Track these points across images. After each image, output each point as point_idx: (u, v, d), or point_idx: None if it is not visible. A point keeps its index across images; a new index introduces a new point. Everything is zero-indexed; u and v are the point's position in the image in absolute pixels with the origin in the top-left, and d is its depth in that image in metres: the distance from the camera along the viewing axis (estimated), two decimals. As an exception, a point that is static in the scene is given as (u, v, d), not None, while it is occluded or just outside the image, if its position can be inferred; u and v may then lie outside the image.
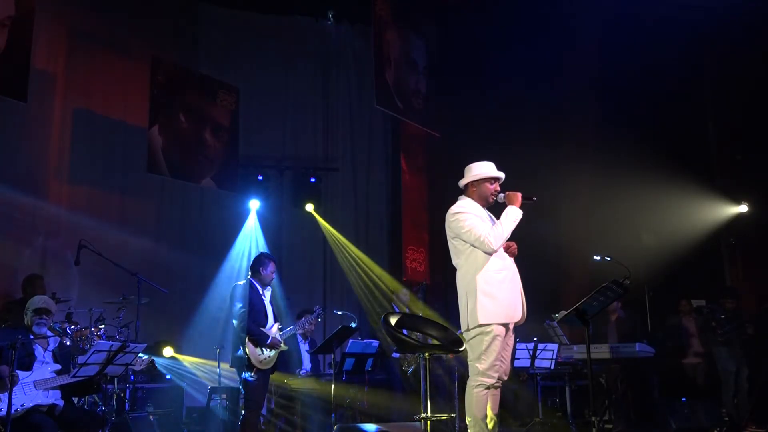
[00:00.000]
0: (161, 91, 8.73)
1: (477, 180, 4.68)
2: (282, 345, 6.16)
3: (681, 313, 8.93)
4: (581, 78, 10.77)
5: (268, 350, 5.99)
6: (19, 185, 7.78)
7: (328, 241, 10.09)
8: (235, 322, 6.00)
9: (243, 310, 5.92)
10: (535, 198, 4.65)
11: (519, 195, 4.61)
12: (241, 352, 5.88)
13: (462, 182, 4.76)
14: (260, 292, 6.14)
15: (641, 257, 8.54)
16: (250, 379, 5.87)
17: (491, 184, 4.68)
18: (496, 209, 4.72)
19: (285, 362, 7.65)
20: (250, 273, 6.27)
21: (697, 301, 9.24)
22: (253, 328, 5.91)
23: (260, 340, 5.91)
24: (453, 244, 4.64)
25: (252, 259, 6.47)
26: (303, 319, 7.19)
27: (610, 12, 9.73)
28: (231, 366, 6.14)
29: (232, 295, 6.08)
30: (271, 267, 6.23)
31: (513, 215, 4.54)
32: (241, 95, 9.66)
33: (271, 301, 6.29)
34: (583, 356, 7.15)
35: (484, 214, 4.66)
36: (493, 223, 4.60)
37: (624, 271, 5.05)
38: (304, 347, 7.83)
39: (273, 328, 6.11)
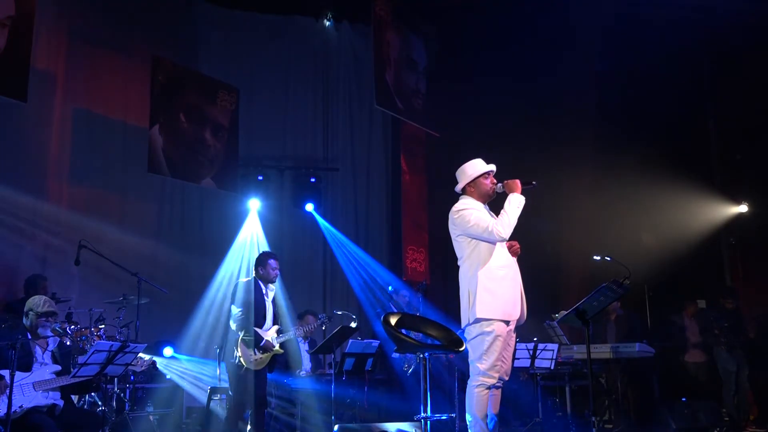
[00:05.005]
0: (161, 91, 8.72)
1: (473, 180, 4.70)
2: (276, 348, 6.14)
3: (685, 315, 8.93)
4: (581, 78, 10.77)
5: (260, 351, 5.97)
6: (19, 185, 7.78)
7: (328, 241, 10.09)
8: (232, 322, 5.99)
9: (241, 308, 5.90)
10: (534, 183, 4.65)
11: (518, 182, 4.63)
12: (235, 350, 5.86)
13: (459, 187, 4.77)
14: (263, 291, 6.13)
15: (641, 257, 8.54)
16: (237, 376, 5.84)
17: (486, 178, 4.70)
18: (496, 202, 4.72)
19: (285, 362, 7.65)
20: (254, 272, 6.28)
21: (698, 301, 9.25)
22: (249, 328, 5.89)
23: (255, 341, 5.89)
24: (458, 242, 4.65)
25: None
26: (302, 326, 7.13)
27: (610, 12, 9.74)
28: (221, 361, 6.12)
29: (233, 293, 6.07)
30: (272, 264, 6.20)
31: (516, 202, 4.55)
32: (241, 95, 9.66)
33: (273, 301, 6.27)
34: (583, 356, 7.15)
35: (487, 210, 4.69)
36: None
37: (624, 271, 5.06)
38: (303, 347, 7.82)
39: (270, 331, 6.09)
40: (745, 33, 9.65)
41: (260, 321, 6.04)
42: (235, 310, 5.94)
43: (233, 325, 5.95)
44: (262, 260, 6.24)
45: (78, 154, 8.52)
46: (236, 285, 6.13)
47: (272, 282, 6.23)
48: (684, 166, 9.89)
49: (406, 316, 5.05)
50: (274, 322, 6.25)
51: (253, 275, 6.24)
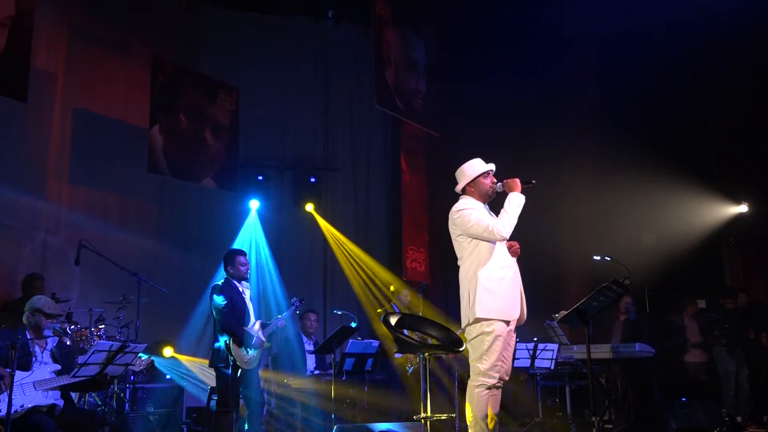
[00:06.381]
0: (161, 91, 8.73)
1: (472, 180, 4.69)
2: (266, 343, 6.14)
3: (685, 315, 8.93)
4: (581, 78, 10.78)
5: (253, 350, 5.97)
6: (19, 185, 7.77)
7: (329, 241, 10.10)
8: (217, 322, 5.93)
9: (225, 310, 5.87)
10: (534, 181, 4.64)
11: (517, 180, 4.62)
12: (224, 352, 5.84)
13: (459, 187, 4.76)
14: (239, 290, 6.10)
15: (641, 257, 8.55)
16: (230, 378, 5.81)
17: (485, 178, 4.69)
18: (496, 201, 4.72)
19: (289, 363, 7.66)
20: (225, 273, 6.23)
21: (698, 301, 9.25)
22: (238, 329, 5.86)
23: (245, 341, 5.88)
24: (458, 242, 4.64)
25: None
26: (281, 316, 7.03)
27: (610, 12, 9.74)
28: (210, 365, 6.08)
29: (211, 295, 6.02)
30: (241, 260, 6.15)
31: (516, 201, 4.54)
32: (241, 95, 9.66)
33: (251, 298, 6.25)
34: (583, 356, 7.16)
35: (487, 209, 4.69)
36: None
37: (624, 271, 5.06)
38: (308, 347, 7.81)
39: (255, 326, 6.08)
40: (745, 33, 9.66)
41: (245, 319, 6.02)
42: (219, 314, 5.89)
43: (219, 328, 5.91)
44: (230, 259, 6.17)
45: (78, 154, 8.51)
46: (212, 288, 6.08)
47: (245, 278, 6.18)
48: (684, 166, 9.90)
49: (406, 316, 5.05)
50: (256, 318, 6.24)
51: (225, 276, 6.18)
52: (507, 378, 4.56)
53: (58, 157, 8.40)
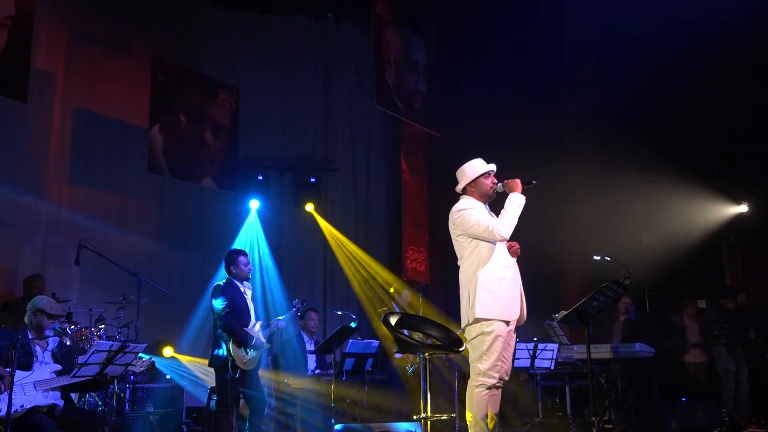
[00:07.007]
0: (161, 91, 8.74)
1: (473, 180, 4.70)
2: (266, 344, 6.14)
3: (685, 315, 8.94)
4: (582, 78, 10.78)
5: (252, 350, 5.97)
6: (19, 185, 7.78)
7: (329, 241, 10.10)
8: (217, 322, 5.94)
9: (226, 310, 5.87)
10: (535, 182, 4.63)
11: (518, 181, 4.62)
12: (224, 352, 5.84)
13: (459, 187, 4.76)
14: (241, 290, 6.10)
15: (641, 257, 8.55)
16: (229, 378, 5.79)
17: (486, 178, 4.69)
18: (496, 201, 4.71)
19: (289, 363, 7.65)
20: (227, 272, 6.22)
21: (698, 301, 9.25)
22: (238, 329, 5.86)
23: (245, 341, 5.88)
24: (458, 242, 4.64)
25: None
26: (282, 317, 7.00)
27: (610, 12, 9.75)
28: (210, 365, 6.08)
29: (212, 295, 6.01)
30: (243, 260, 6.14)
31: (517, 201, 4.54)
32: (241, 95, 9.67)
33: (252, 299, 6.24)
34: (583, 356, 7.15)
35: (487, 210, 4.69)
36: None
37: (624, 271, 5.06)
38: (309, 347, 7.80)
39: (256, 327, 6.08)
40: (745, 33, 9.66)
41: (246, 320, 6.02)
42: (220, 315, 5.88)
43: (220, 329, 5.90)
44: (232, 259, 6.15)
45: (78, 154, 8.51)
46: (213, 289, 6.06)
47: (246, 279, 6.17)
48: (684, 166, 9.91)
49: (406, 315, 5.05)
50: (257, 318, 6.24)
51: (227, 276, 6.18)
52: (507, 378, 4.56)
53: (58, 157, 8.40)
